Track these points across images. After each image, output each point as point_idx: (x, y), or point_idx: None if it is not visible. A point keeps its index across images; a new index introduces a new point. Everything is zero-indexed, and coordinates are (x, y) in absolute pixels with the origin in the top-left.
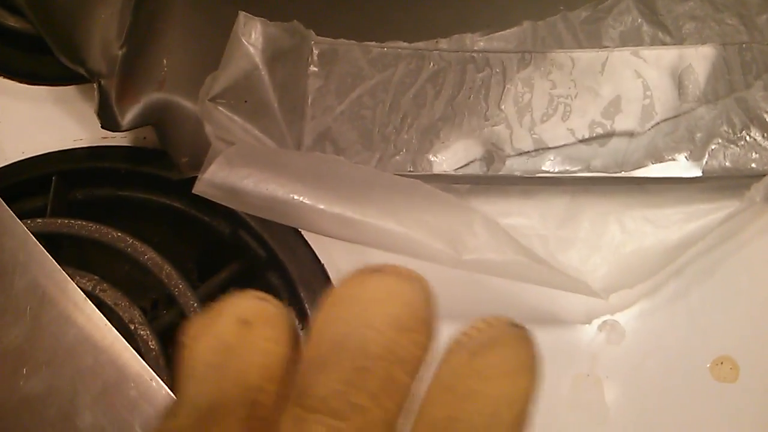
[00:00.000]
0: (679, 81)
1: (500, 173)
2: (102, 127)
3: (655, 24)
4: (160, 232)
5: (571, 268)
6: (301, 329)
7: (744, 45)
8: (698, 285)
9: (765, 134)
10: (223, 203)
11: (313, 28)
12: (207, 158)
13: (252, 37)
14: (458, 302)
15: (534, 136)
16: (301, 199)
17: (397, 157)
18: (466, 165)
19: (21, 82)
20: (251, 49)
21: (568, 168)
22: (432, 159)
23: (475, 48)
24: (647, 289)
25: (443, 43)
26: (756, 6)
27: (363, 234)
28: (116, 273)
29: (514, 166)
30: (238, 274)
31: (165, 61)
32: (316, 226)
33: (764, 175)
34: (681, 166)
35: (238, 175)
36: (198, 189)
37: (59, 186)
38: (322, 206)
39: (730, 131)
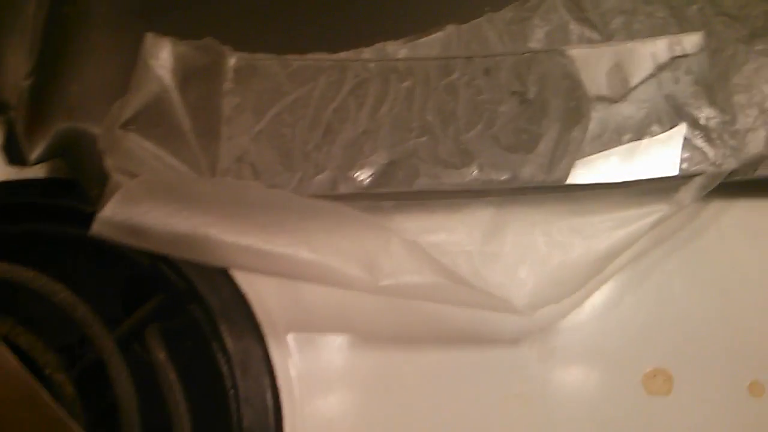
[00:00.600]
0: (606, 80)
1: (425, 187)
2: (9, 163)
3: (582, 21)
4: (80, 266)
5: (496, 286)
6: (225, 363)
7: (674, 38)
8: (629, 294)
9: (695, 133)
10: (124, 243)
11: (230, 43)
12: (105, 194)
13: (160, 58)
14: (383, 329)
15: (460, 146)
16: (206, 232)
17: (319, 177)
18: (390, 180)
19: None
20: (160, 71)
21: (494, 177)
22: (355, 176)
23: (398, 56)
24: (576, 302)
25: (366, 53)
26: None
27: (275, 265)
28: (35, 313)
29: (440, 178)
30: (161, 307)
31: (75, 88)
32: (224, 259)
33: (693, 176)
34: (609, 171)
35: (138, 211)
36: (95, 229)
37: None
38: (229, 239)
39: (660, 131)
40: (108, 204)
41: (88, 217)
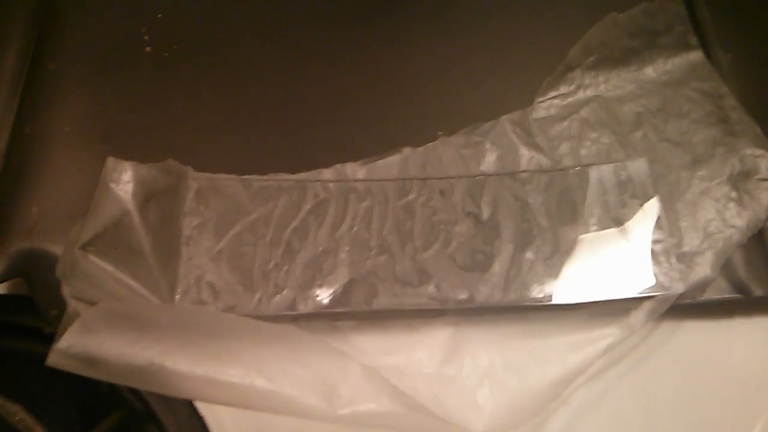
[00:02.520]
0: (556, 203)
1: (383, 306)
2: None
3: (531, 146)
4: (36, 381)
5: (454, 411)
6: None
7: (619, 164)
8: (585, 417)
9: (643, 256)
10: (82, 374)
11: (192, 164)
12: (62, 324)
13: (121, 181)
14: None
15: (417, 265)
16: (161, 363)
17: (278, 297)
18: (349, 299)
19: None
20: (121, 193)
21: (451, 296)
22: (315, 295)
23: (357, 177)
24: (534, 425)
25: (325, 173)
26: (629, 124)
27: (231, 395)
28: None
29: (399, 297)
30: (118, 426)
31: (35, 208)
32: (181, 390)
33: (643, 299)
34: (561, 292)
35: (95, 342)
36: (52, 361)
37: None
38: (184, 369)
39: (609, 254)
40: (64, 335)
41: (45, 336)
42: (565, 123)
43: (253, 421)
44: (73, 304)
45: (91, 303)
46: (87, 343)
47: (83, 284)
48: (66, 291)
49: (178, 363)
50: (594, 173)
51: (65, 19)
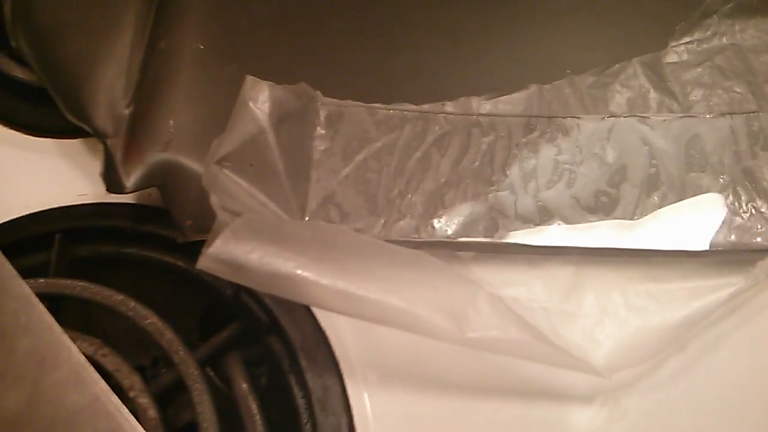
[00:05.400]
0: (685, 150)
1: (504, 241)
2: (107, 190)
3: (662, 90)
4: (162, 289)
5: (574, 345)
6: (302, 398)
7: (752, 114)
8: (701, 361)
9: None
10: (227, 278)
11: (320, 89)
12: (212, 232)
13: (259, 101)
14: (456, 376)
15: (539, 203)
16: (304, 274)
17: (401, 222)
18: (470, 231)
19: (26, 133)
20: (258, 113)
21: (573, 236)
22: (436, 224)
23: (481, 111)
24: (650, 365)
25: (449, 106)
26: (764, 74)
27: (367, 310)
28: (118, 331)
29: (519, 233)
30: (239, 335)
31: (171, 122)
32: (320, 301)
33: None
34: (685, 239)
35: (242, 250)
36: (202, 264)
37: (62, 245)
38: (325, 282)
39: (736, 203)
40: (215, 242)
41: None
42: (699, 69)
43: (371, 338)
44: (221, 214)
45: (235, 213)
46: (235, 249)
47: (224, 196)
48: (214, 200)
49: (320, 275)
50: (726, 122)
51: None
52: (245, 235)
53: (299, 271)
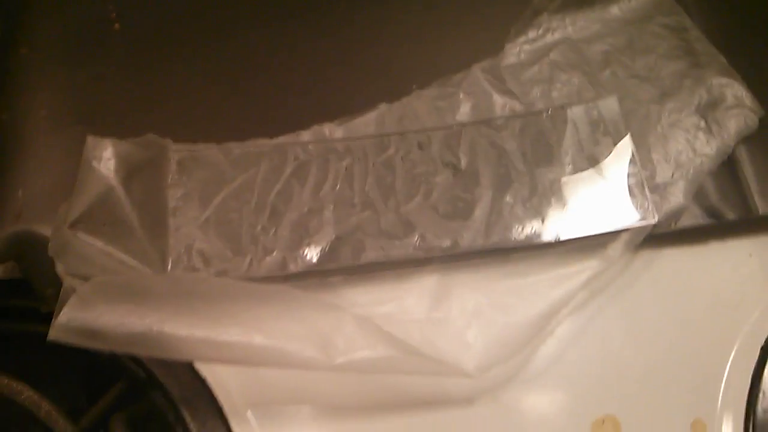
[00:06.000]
0: (531, 147)
1: (371, 260)
2: None
3: (503, 92)
4: (37, 360)
5: (447, 351)
6: None
7: (590, 104)
8: (572, 347)
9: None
10: (83, 346)
11: (171, 135)
12: (59, 301)
13: (103, 158)
14: (341, 400)
15: (400, 217)
16: (161, 329)
17: (268, 258)
18: (337, 256)
19: None
20: (104, 171)
21: (436, 245)
22: (304, 254)
23: (335, 136)
24: (523, 358)
25: (304, 135)
26: (597, 63)
27: (232, 354)
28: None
29: (385, 249)
30: (125, 394)
31: (20, 192)
32: (183, 353)
33: (620, 231)
34: (541, 232)
35: (92, 315)
36: (53, 335)
37: None
38: (183, 333)
39: (585, 190)
40: (63, 310)
41: (43, 315)
42: (536, 67)
43: (253, 378)
44: (68, 281)
45: (85, 278)
46: (85, 316)
47: (76, 261)
48: (60, 268)
49: (177, 327)
50: (566, 114)
51: (34, 5)
52: (95, 298)
53: (155, 328)
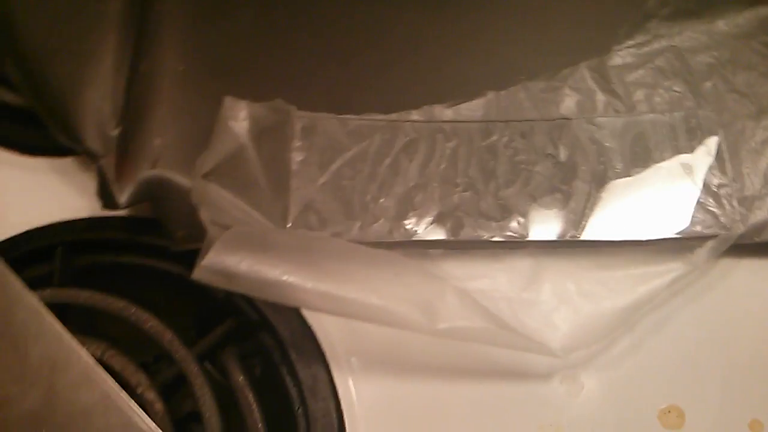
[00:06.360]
0: (630, 147)
1: (469, 238)
2: (102, 207)
3: (608, 92)
4: (159, 294)
5: (534, 330)
6: (294, 386)
7: (690, 111)
8: (648, 340)
9: (708, 199)
10: (220, 287)
11: (295, 104)
12: (204, 245)
13: (238, 118)
14: (433, 362)
15: (499, 201)
16: (289, 279)
17: (376, 225)
18: (438, 230)
19: (21, 154)
20: (238, 130)
21: (531, 231)
22: (408, 225)
23: (444, 118)
24: (603, 345)
25: (415, 114)
26: (701, 73)
27: (348, 309)
28: (121, 333)
29: (482, 230)
30: (233, 331)
31: (158, 140)
32: (305, 303)
33: (706, 237)
34: (631, 229)
35: (233, 261)
36: (197, 275)
37: (64, 256)
38: (308, 285)
39: (676, 196)
40: (207, 255)
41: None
42: (641, 71)
43: (354, 331)
44: (211, 228)
45: (222, 226)
46: (226, 261)
47: (213, 210)
48: (204, 216)
49: (303, 280)
50: (667, 119)
51: None
52: (234, 246)
53: (285, 277)
